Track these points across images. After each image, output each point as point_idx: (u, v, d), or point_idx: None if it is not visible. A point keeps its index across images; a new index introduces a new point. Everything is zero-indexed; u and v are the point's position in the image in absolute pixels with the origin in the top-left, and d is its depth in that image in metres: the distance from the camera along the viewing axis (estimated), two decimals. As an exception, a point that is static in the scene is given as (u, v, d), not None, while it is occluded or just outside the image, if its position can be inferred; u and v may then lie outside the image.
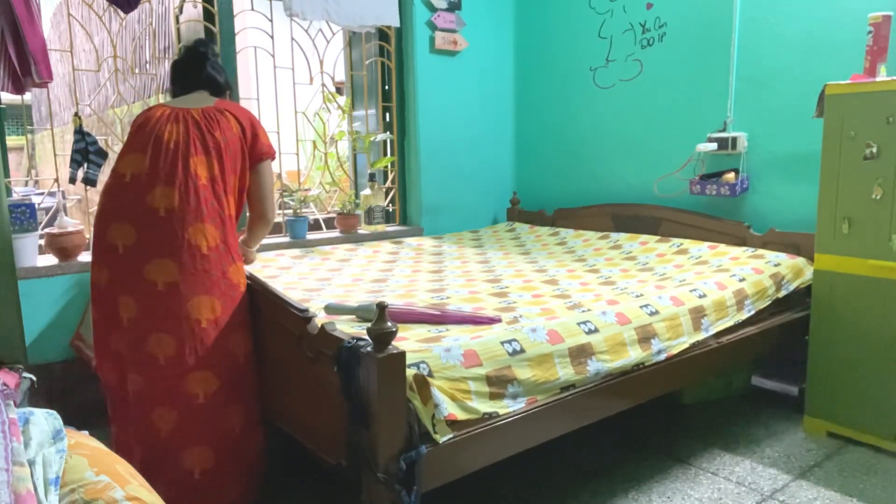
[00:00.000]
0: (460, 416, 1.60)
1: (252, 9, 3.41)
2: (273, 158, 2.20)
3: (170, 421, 1.87)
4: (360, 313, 2.04)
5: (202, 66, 2.17)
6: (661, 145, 3.42)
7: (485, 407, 1.66)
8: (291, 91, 3.41)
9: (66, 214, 2.82)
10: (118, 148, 3.01)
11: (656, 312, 2.13)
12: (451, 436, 1.60)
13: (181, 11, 3.44)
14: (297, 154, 3.61)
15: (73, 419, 1.35)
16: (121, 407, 1.99)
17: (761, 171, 3.04)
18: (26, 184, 4.87)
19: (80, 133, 2.71)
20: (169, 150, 1.94)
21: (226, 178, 2.00)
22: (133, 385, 1.90)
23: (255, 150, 2.11)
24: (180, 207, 1.89)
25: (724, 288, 2.41)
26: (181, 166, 1.93)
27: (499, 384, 1.70)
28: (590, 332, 1.95)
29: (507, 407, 1.71)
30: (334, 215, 3.65)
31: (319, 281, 2.69)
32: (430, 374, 1.58)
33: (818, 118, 2.45)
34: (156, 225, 1.88)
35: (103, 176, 2.56)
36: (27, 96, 2.85)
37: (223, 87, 2.21)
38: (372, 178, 3.68)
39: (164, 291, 1.85)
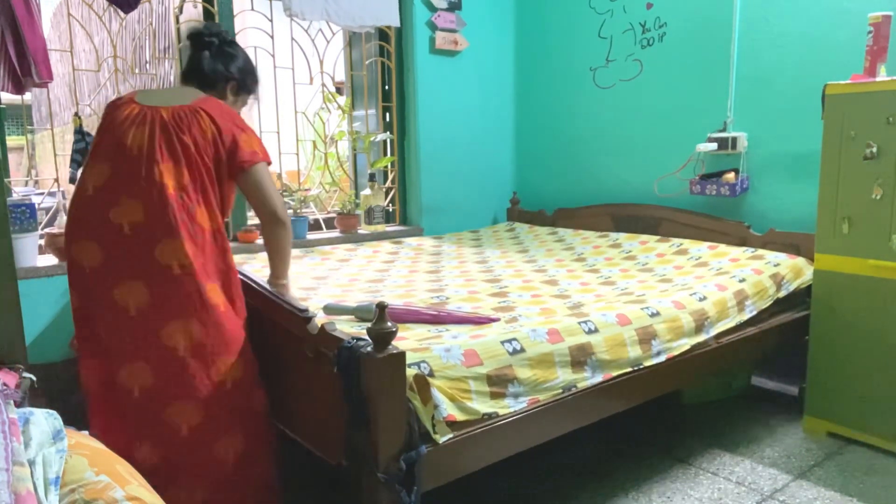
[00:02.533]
0: (459, 416, 1.60)
1: (252, 9, 3.41)
2: (268, 162, 1.92)
3: (151, 460, 1.71)
4: (358, 314, 2.04)
5: (198, 58, 1.97)
6: (661, 145, 3.42)
7: (485, 407, 1.66)
8: (291, 91, 3.41)
9: (66, 214, 2.82)
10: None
11: (657, 314, 2.13)
12: (450, 436, 1.60)
13: (181, 11, 3.43)
14: (297, 154, 3.61)
15: (73, 419, 1.35)
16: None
17: (761, 171, 3.04)
18: (26, 184, 4.86)
19: (80, 133, 2.71)
20: (132, 157, 1.73)
21: (197, 188, 1.77)
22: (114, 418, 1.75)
23: (236, 157, 1.83)
24: (147, 223, 1.70)
25: (725, 289, 2.40)
26: (145, 174, 1.71)
27: (499, 384, 1.70)
28: (590, 331, 1.94)
29: (508, 407, 1.71)
30: (334, 215, 3.65)
31: (316, 280, 2.69)
32: (431, 374, 1.58)
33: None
34: (122, 244, 1.70)
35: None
36: (27, 96, 2.84)
37: (213, 80, 1.96)
38: (372, 178, 3.68)
39: (136, 317, 1.70)
